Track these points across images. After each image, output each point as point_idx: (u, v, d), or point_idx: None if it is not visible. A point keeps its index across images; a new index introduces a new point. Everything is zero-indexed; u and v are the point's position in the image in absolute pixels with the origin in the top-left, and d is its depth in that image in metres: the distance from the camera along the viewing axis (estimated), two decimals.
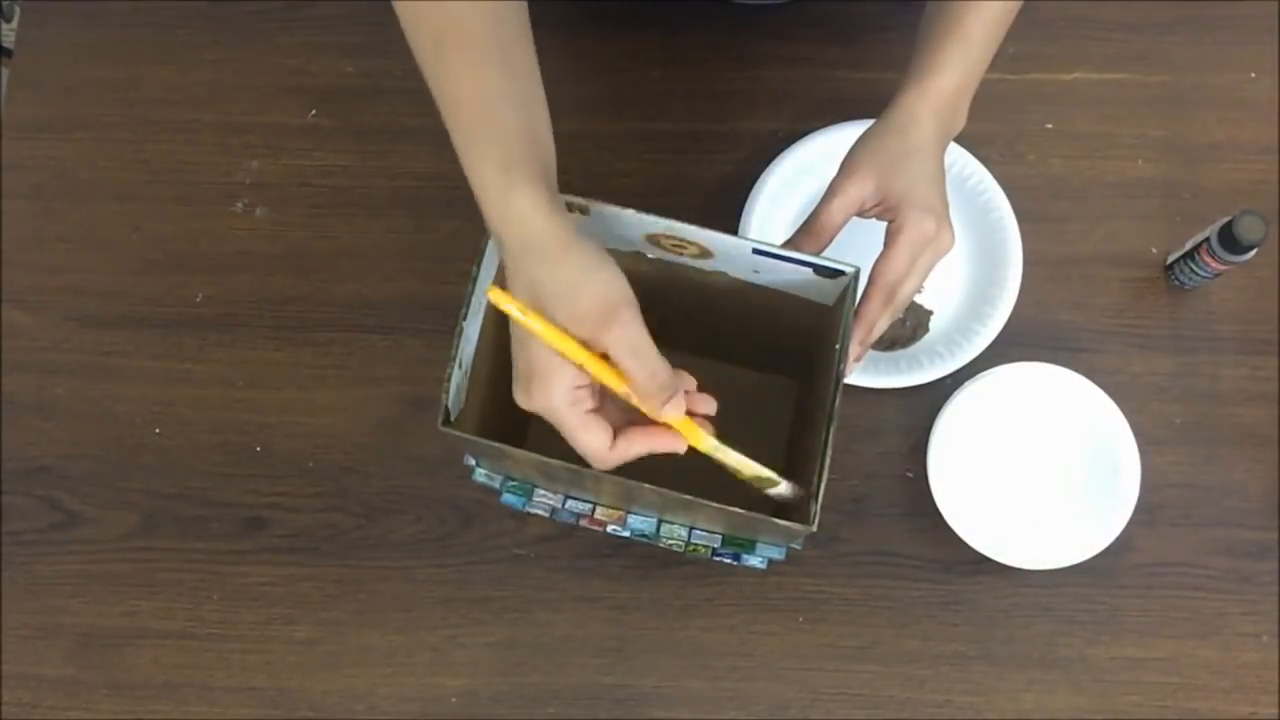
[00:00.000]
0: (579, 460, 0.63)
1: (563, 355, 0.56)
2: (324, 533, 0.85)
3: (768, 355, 0.79)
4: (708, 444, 0.60)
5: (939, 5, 0.71)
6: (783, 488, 0.64)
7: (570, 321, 0.56)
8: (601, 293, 0.56)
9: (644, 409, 0.58)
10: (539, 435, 0.84)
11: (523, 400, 0.58)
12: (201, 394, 0.88)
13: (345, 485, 0.86)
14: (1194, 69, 0.93)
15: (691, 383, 0.61)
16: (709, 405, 0.61)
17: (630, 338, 0.56)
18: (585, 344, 0.56)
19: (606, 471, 0.62)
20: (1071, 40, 0.94)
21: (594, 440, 0.58)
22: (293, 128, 0.93)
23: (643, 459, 0.60)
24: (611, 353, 0.56)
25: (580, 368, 0.57)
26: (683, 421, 0.59)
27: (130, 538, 0.85)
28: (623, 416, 0.60)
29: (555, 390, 0.57)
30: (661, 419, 0.58)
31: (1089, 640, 0.82)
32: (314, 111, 0.94)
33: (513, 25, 0.60)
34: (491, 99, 0.58)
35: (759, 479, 0.63)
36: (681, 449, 0.60)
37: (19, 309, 0.90)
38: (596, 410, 0.59)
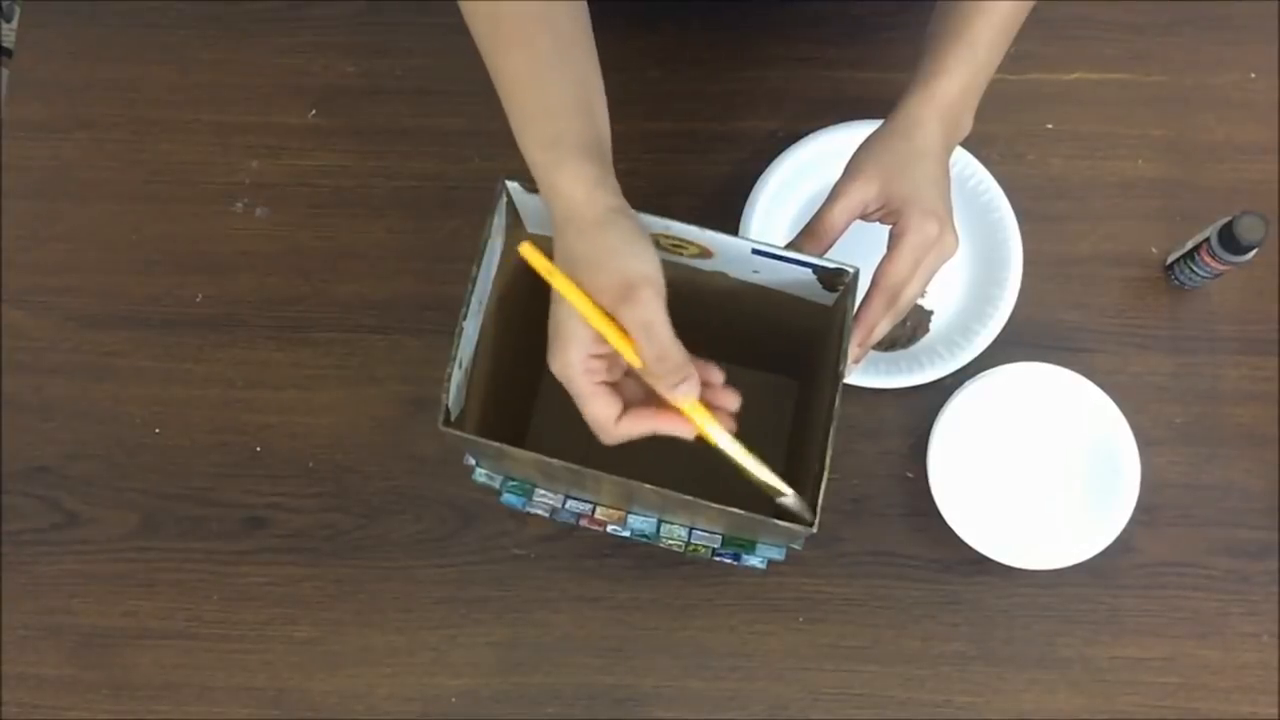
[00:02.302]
0: (578, 459, 0.63)
1: (584, 319, 0.57)
2: (324, 533, 0.85)
3: (768, 355, 0.78)
4: (715, 435, 0.60)
5: (948, 6, 0.70)
6: (789, 499, 0.63)
7: (591, 292, 0.57)
8: (623, 268, 0.57)
9: (655, 389, 0.58)
10: (539, 435, 0.85)
11: (549, 362, 0.60)
12: (201, 394, 0.88)
13: (345, 485, 0.86)
14: (1194, 69, 0.93)
15: (717, 376, 0.61)
16: (731, 401, 0.62)
17: (644, 316, 0.56)
18: (606, 316, 0.57)
19: (606, 467, 0.62)
20: (1071, 40, 0.94)
21: (600, 410, 0.59)
22: (293, 128, 0.93)
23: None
24: (626, 328, 0.57)
25: (601, 336, 0.58)
26: (693, 408, 0.59)
27: (130, 538, 0.85)
28: (641, 395, 0.60)
29: (571, 355, 0.58)
30: (670, 401, 0.58)
31: (1089, 640, 0.82)
32: (314, 111, 0.93)
33: (568, 6, 0.62)
34: (542, 75, 0.60)
35: (765, 486, 0.63)
36: (689, 435, 0.60)
37: (19, 309, 0.90)
38: (612, 384, 0.59)
